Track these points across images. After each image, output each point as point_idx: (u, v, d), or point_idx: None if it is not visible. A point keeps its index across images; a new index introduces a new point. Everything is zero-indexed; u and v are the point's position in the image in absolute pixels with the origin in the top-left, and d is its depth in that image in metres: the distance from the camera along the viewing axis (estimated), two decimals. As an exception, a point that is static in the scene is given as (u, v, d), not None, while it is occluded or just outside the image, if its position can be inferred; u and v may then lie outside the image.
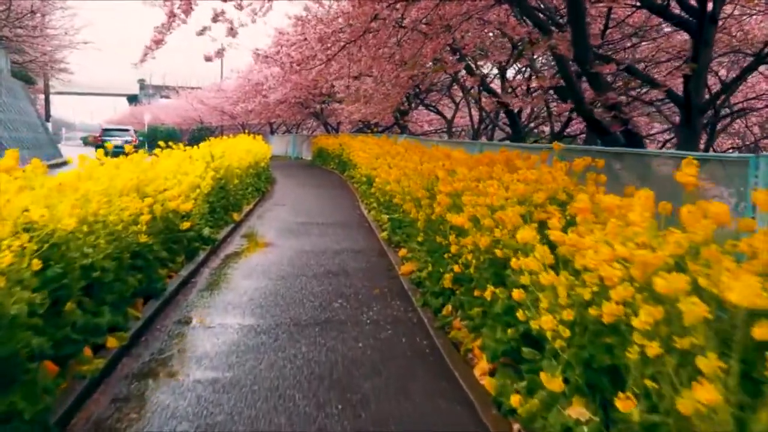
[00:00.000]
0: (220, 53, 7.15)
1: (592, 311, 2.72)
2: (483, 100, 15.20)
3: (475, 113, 18.03)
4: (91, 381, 4.14)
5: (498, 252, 3.94)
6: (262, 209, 13.44)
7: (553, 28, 6.39)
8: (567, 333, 2.77)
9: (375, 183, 10.79)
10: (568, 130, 20.82)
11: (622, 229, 2.71)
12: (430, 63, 9.35)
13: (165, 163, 8.60)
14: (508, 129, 22.99)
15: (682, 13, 6.19)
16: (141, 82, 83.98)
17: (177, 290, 6.54)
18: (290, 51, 8.84)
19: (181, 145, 11.40)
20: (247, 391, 4.18)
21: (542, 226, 3.93)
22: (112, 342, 4.64)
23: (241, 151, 13.70)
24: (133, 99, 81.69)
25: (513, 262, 3.24)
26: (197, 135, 44.24)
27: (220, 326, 5.53)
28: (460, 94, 19.80)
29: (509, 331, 3.61)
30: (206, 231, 8.60)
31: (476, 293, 4.53)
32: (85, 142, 73.45)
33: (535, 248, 3.25)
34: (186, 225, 7.11)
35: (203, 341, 5.16)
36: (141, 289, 5.74)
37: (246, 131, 27.77)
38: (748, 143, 17.49)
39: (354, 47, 6.68)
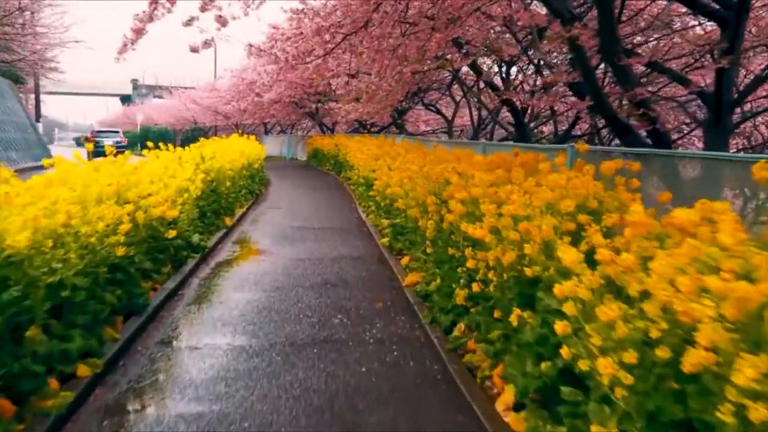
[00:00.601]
0: (207, 44, 6.59)
1: (660, 353, 2.19)
2: (487, 97, 14.71)
3: (475, 113, 17.51)
4: (56, 419, 3.59)
5: (527, 271, 3.41)
6: (256, 213, 12.89)
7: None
8: (630, 380, 2.24)
9: (375, 186, 10.26)
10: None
11: (698, 252, 2.18)
12: (433, 58, 8.79)
13: (151, 166, 8.05)
14: (508, 129, 22.52)
15: (712, 4, 5.68)
16: (134, 81, 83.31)
17: (162, 305, 6.00)
18: (285, 45, 8.30)
19: (171, 145, 10.89)
20: (236, 429, 3.64)
21: (574, 240, 3.41)
22: (83, 370, 4.09)
23: (234, 152, 13.14)
24: (126, 99, 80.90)
25: (557, 289, 2.70)
26: (190, 135, 43.57)
27: (207, 347, 4.99)
28: (460, 93, 19.31)
29: (543, 365, 3.08)
30: (195, 238, 8.05)
31: (496, 314, 4.00)
32: (78, 142, 72.75)
33: (580, 271, 2.72)
34: (171, 234, 6.56)
35: (188, 366, 4.61)
36: (121, 306, 5.19)
37: (240, 131, 27.17)
38: (755, 144, 17.03)
39: (356, 38, 6.15)
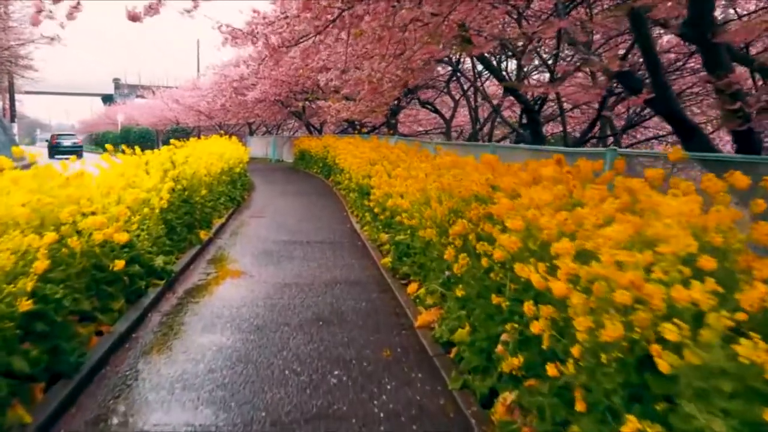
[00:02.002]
0: (152, 9, 5.15)
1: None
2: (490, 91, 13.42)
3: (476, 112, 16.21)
4: None
5: (662, 364, 2.08)
6: (237, 223, 11.49)
7: None
8: None
9: (373, 196, 8.90)
10: (569, 131, 19.21)
11: None
12: (448, 42, 7.44)
13: (106, 175, 6.68)
14: (510, 128, 21.26)
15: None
16: (116, 81, 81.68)
17: (105, 357, 4.62)
18: (267, 31, 6.96)
19: (137, 148, 9.51)
20: None
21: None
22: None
23: (212, 156, 11.74)
24: (107, 99, 78.97)
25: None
26: (172, 136, 41.98)
27: (158, 430, 3.62)
28: (458, 92, 18.01)
29: None
30: (159, 260, 6.66)
31: (579, 406, 2.67)
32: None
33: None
34: (119, 264, 5.15)
35: (126, 466, 3.25)
36: (40, 370, 3.82)
37: (223, 132, 25.73)
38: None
39: (359, 5, 4.86)
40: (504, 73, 13.61)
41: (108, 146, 8.42)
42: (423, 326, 5.20)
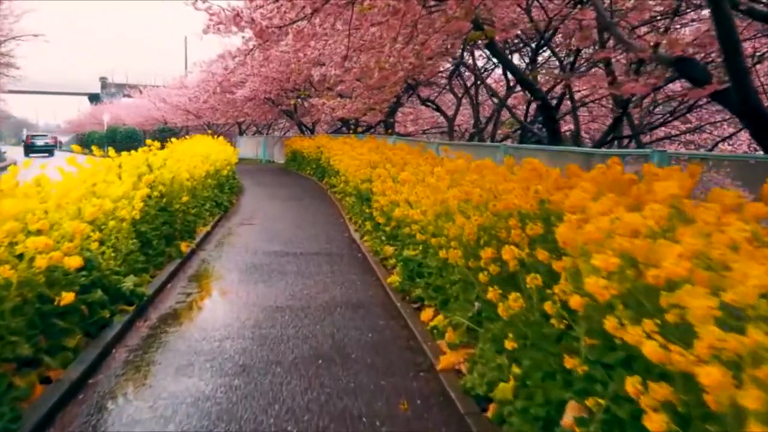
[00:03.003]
0: None
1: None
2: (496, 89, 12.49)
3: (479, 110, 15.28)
4: None
5: None
6: (224, 231, 10.50)
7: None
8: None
9: (376, 204, 7.92)
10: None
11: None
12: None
13: (67, 182, 5.70)
14: (514, 127, 20.35)
15: None
16: (103, 80, 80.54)
17: (48, 418, 3.64)
18: (253, 15, 6.01)
19: (111, 150, 8.56)
20: None
21: None
22: None
23: (196, 158, 10.75)
24: (94, 98, 77.65)
25: None
26: (159, 136, 40.81)
27: None
28: (461, 89, 17.10)
29: None
30: (129, 282, 5.67)
31: None
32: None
33: None
34: (67, 298, 4.13)
35: None
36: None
37: (211, 132, 24.66)
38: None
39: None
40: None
41: (74, 147, 7.43)
42: (447, 369, 4.24)
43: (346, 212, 12.01)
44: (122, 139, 47.47)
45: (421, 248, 5.85)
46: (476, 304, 4.02)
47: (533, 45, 10.77)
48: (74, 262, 4.09)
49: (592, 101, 12.99)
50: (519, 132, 20.38)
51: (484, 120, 17.54)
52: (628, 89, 6.10)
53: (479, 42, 10.15)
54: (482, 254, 3.75)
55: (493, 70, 16.61)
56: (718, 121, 17.24)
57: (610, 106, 12.02)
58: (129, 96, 61.90)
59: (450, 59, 12.99)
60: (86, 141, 56.36)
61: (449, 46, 7.63)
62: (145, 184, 7.17)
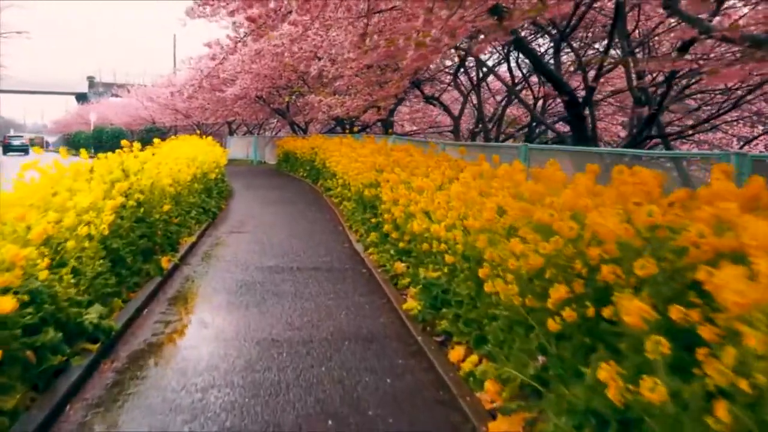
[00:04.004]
0: None
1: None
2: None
3: (485, 107, 14.31)
4: None
5: None
6: (212, 241, 9.49)
7: None
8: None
9: (387, 214, 6.89)
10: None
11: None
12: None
13: (18, 193, 4.71)
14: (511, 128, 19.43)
15: None
16: (90, 79, 79.45)
17: None
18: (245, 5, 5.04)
19: (83, 151, 7.56)
20: None
21: None
22: None
23: (181, 161, 9.72)
24: (81, 97, 76.40)
25: None
26: (146, 136, 39.62)
27: None
28: (459, 89, 16.14)
29: None
30: (93, 314, 4.66)
31: None
32: (32, 143, 68.78)
33: None
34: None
35: None
36: None
37: (199, 132, 23.58)
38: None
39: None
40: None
41: (36, 149, 6.44)
42: (499, 438, 3.26)
43: (345, 219, 11.03)
44: (109, 140, 46.22)
45: (446, 270, 4.87)
46: (540, 357, 3.05)
47: (551, 35, 9.82)
48: (7, 304, 3.09)
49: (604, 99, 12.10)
50: (524, 131, 19.52)
51: (497, 116, 16.62)
52: (735, 74, 5.11)
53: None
54: (552, 293, 2.78)
55: (499, 64, 15.64)
56: (735, 120, 16.40)
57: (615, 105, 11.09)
58: (117, 95, 60.76)
59: (458, 53, 12.01)
60: (72, 141, 55.19)
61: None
62: (119, 193, 6.17)
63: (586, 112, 11.06)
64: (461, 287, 4.50)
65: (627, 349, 2.50)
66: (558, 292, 2.75)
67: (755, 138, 14.79)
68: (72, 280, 4.58)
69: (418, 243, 5.67)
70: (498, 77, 13.18)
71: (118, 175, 6.72)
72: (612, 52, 15.89)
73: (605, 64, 8.26)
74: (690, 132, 15.37)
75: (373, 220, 8.01)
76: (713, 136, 17.11)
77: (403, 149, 9.46)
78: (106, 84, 73.26)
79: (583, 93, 11.24)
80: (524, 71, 16.26)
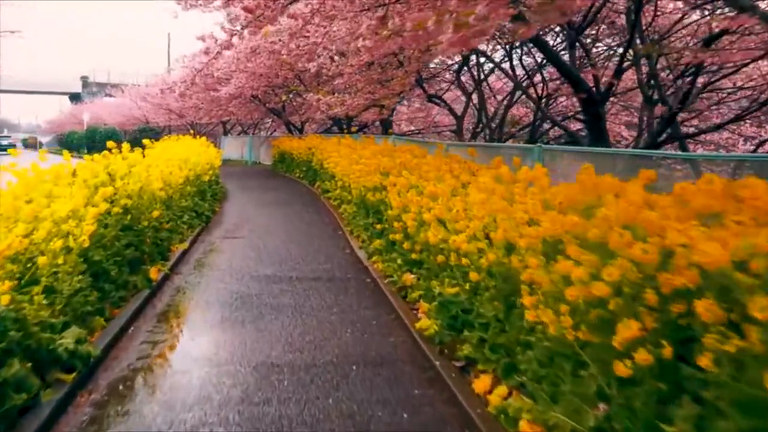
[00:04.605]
0: None
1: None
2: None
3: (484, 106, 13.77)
4: None
5: None
6: (205, 247, 8.94)
7: None
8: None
9: (397, 223, 6.30)
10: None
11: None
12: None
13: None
14: (525, 120, 18.92)
15: None
16: (84, 79, 78.84)
17: None
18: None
19: (66, 153, 7.04)
20: None
21: None
22: None
23: (173, 163, 9.17)
24: (75, 97, 75.75)
25: None
26: (140, 136, 39.03)
27: None
28: (464, 86, 15.63)
29: None
30: (68, 339, 4.10)
31: None
32: (25, 144, 68.34)
33: None
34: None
35: None
36: None
37: (193, 132, 23.00)
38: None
39: None
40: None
41: (10, 151, 5.90)
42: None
43: (345, 223, 10.49)
44: (102, 140, 45.53)
45: (468, 287, 4.34)
46: (601, 405, 2.53)
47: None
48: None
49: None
50: (524, 131, 19.01)
51: (486, 119, 16.11)
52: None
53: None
54: (621, 330, 2.26)
55: (501, 62, 15.12)
56: (743, 116, 15.90)
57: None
58: (110, 95, 60.14)
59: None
60: (66, 141, 54.59)
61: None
62: (103, 198, 5.62)
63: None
64: (486, 307, 3.97)
65: (718, 399, 1.99)
66: (629, 329, 2.23)
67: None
68: (44, 301, 4.04)
69: (432, 254, 5.15)
70: (507, 74, 12.64)
71: (104, 179, 6.18)
72: (620, 49, 15.45)
73: (627, 57, 7.73)
74: (704, 131, 14.88)
75: (378, 226, 7.48)
76: (719, 136, 16.64)
77: (407, 150, 8.94)
78: (100, 84, 72.65)
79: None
80: (527, 70, 15.78)
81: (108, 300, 5.37)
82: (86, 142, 47.67)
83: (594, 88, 10.62)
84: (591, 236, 2.60)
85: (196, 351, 4.88)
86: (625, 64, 7.85)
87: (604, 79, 9.08)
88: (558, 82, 16.29)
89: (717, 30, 6.73)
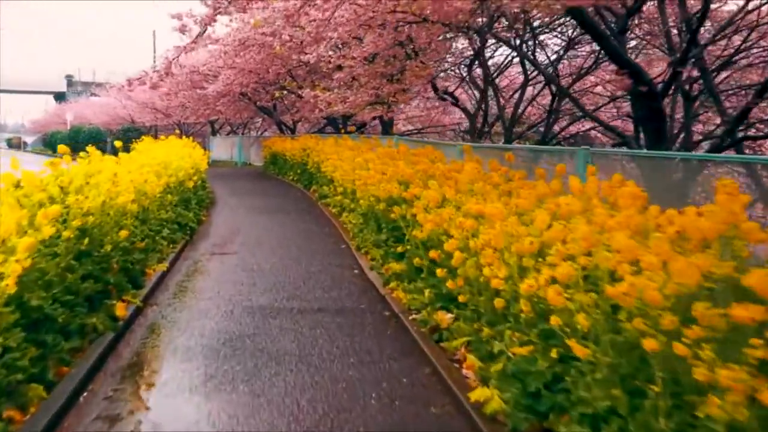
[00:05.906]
0: None
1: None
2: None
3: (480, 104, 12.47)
4: None
5: None
6: (188, 268, 7.61)
7: None
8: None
9: (434, 252, 4.93)
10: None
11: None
12: None
13: None
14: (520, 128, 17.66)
15: None
16: (68, 78, 77.57)
17: None
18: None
19: (14, 159, 5.66)
20: None
21: None
22: None
23: (149, 169, 7.81)
24: (60, 97, 74.22)
25: None
26: (124, 136, 37.43)
27: None
28: (476, 81, 14.35)
29: None
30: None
31: None
32: (9, 144, 67.20)
33: None
34: None
35: None
36: None
37: (179, 132, 21.62)
38: None
39: None
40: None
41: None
42: None
43: (350, 236, 9.18)
44: (86, 140, 44.02)
45: (555, 353, 3.04)
46: None
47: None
48: None
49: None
50: (532, 130, 17.77)
51: (492, 118, 14.88)
52: None
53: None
54: None
55: (511, 61, 13.87)
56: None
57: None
58: (95, 95, 58.61)
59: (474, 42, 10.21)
60: (49, 141, 53.19)
61: None
62: (47, 221, 4.28)
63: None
64: (595, 390, 2.67)
65: None
66: None
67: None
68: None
69: (486, 298, 3.84)
70: (534, 64, 11.35)
71: (52, 193, 4.84)
72: (632, 44, 14.22)
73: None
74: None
75: (398, 247, 6.16)
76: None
77: (422, 154, 7.63)
78: (85, 83, 71.21)
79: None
80: (540, 65, 14.54)
81: (53, 357, 4.03)
82: (69, 142, 46.20)
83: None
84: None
85: (169, 433, 3.56)
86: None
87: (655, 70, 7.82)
88: (570, 78, 15.11)
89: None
